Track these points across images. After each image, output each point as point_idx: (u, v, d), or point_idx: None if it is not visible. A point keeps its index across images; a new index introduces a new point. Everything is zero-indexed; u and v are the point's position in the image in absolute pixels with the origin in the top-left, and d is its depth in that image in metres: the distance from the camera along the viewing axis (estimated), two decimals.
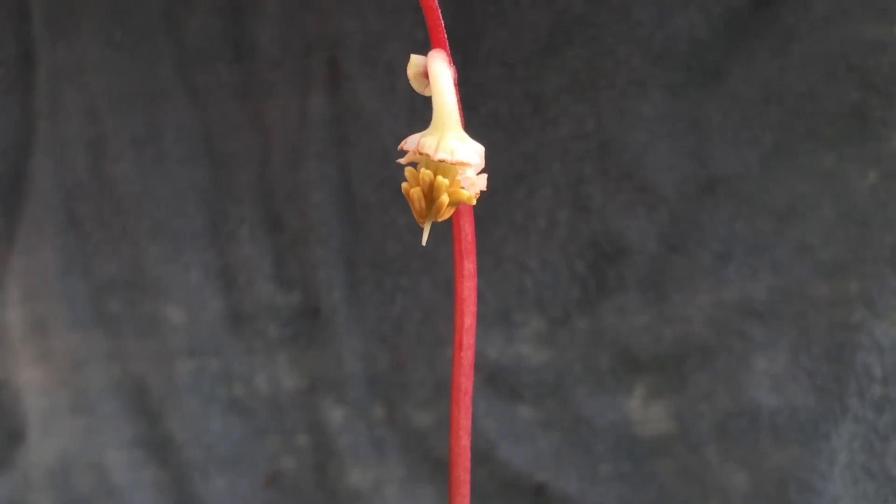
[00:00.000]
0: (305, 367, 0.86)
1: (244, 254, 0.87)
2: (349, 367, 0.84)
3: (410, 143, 0.37)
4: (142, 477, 0.88)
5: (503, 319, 0.81)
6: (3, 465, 0.91)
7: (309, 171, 0.85)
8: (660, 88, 0.77)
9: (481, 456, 0.80)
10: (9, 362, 0.92)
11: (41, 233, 0.90)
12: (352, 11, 0.83)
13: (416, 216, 0.37)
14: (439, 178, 0.36)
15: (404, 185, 0.37)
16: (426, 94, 0.38)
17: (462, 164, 0.36)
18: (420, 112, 0.82)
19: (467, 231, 0.41)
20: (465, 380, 0.42)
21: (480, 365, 0.80)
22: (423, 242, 0.37)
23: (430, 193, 0.36)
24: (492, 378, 0.81)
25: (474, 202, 0.38)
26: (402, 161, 0.38)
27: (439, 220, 0.37)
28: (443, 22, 0.38)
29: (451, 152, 0.36)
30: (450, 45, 0.39)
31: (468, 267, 0.42)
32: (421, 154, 0.36)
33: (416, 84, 0.39)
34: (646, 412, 0.78)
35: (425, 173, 0.36)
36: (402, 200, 0.83)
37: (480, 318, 0.79)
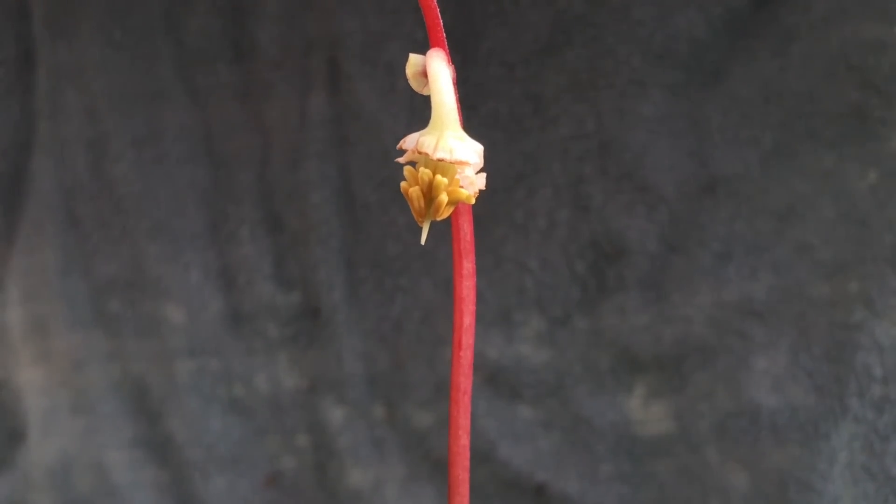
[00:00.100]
0: (305, 367, 0.86)
1: (244, 254, 0.87)
2: (349, 367, 0.85)
3: (409, 142, 0.37)
4: (142, 477, 0.88)
5: (503, 319, 0.81)
6: (3, 465, 0.91)
7: (309, 171, 0.85)
8: (660, 88, 0.77)
9: (481, 456, 0.80)
10: (9, 362, 0.92)
11: (41, 233, 0.90)
12: (352, 11, 0.83)
13: (414, 215, 0.37)
14: (438, 177, 0.36)
15: (403, 184, 0.37)
16: (425, 93, 0.38)
17: (461, 163, 0.36)
18: (420, 112, 0.82)
19: (466, 230, 0.41)
20: (465, 379, 0.42)
21: (480, 365, 0.80)
22: (422, 241, 0.37)
23: (429, 192, 0.36)
24: (492, 378, 0.81)
25: (473, 201, 0.38)
26: (400, 160, 0.38)
27: (438, 219, 0.37)
28: (442, 21, 0.38)
29: (450, 151, 0.36)
30: (449, 44, 0.39)
31: (467, 266, 0.42)
32: (420, 153, 0.36)
33: (414, 83, 0.39)
34: (646, 412, 0.78)
35: (424, 172, 0.36)
36: (402, 200, 0.83)
37: (480, 317, 0.79)
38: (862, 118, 0.73)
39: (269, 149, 0.87)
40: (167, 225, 0.88)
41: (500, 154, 0.80)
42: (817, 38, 0.74)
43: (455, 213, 0.41)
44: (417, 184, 0.37)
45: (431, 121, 0.37)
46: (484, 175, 0.38)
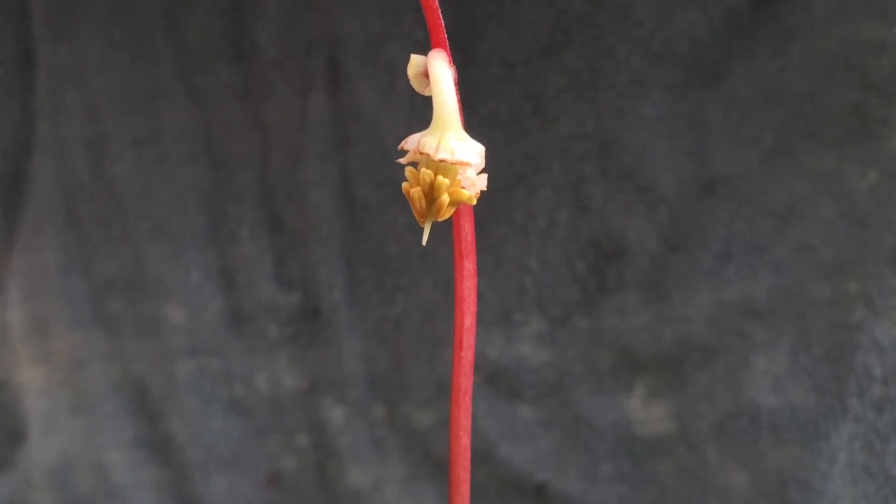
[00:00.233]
0: (306, 367, 0.86)
1: (244, 254, 0.87)
2: (349, 367, 0.84)
3: (411, 142, 0.37)
4: (142, 477, 0.88)
5: (503, 319, 0.81)
6: (3, 465, 0.91)
7: (309, 171, 0.85)
8: (660, 88, 0.77)
9: (482, 456, 0.81)
10: (9, 362, 0.92)
11: (41, 233, 0.90)
12: (352, 11, 0.83)
13: (416, 216, 0.37)
14: (440, 177, 0.36)
15: (405, 184, 0.37)
16: (426, 93, 0.38)
17: (462, 163, 0.36)
18: (420, 112, 0.82)
19: (467, 231, 0.41)
20: (465, 379, 0.42)
21: (481, 365, 0.81)
22: (424, 242, 0.37)
23: (431, 193, 0.36)
24: (492, 378, 0.81)
25: (475, 202, 0.38)
26: (402, 161, 0.38)
27: (440, 219, 0.37)
28: (443, 22, 0.38)
29: (452, 152, 0.36)
30: (450, 44, 0.39)
31: (468, 267, 0.42)
32: (421, 154, 0.36)
33: (416, 84, 0.39)
34: (646, 412, 0.78)
35: (426, 173, 0.36)
36: (403, 200, 0.83)
37: (480, 318, 0.79)
38: (862, 118, 0.73)
39: (269, 149, 0.87)
40: (167, 225, 0.88)
41: (500, 154, 0.80)
42: (817, 38, 0.74)
43: (456, 213, 0.41)
44: (419, 184, 0.37)
45: (433, 121, 0.37)
46: (485, 176, 0.38)
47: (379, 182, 0.84)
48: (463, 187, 0.37)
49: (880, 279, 0.72)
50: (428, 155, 0.36)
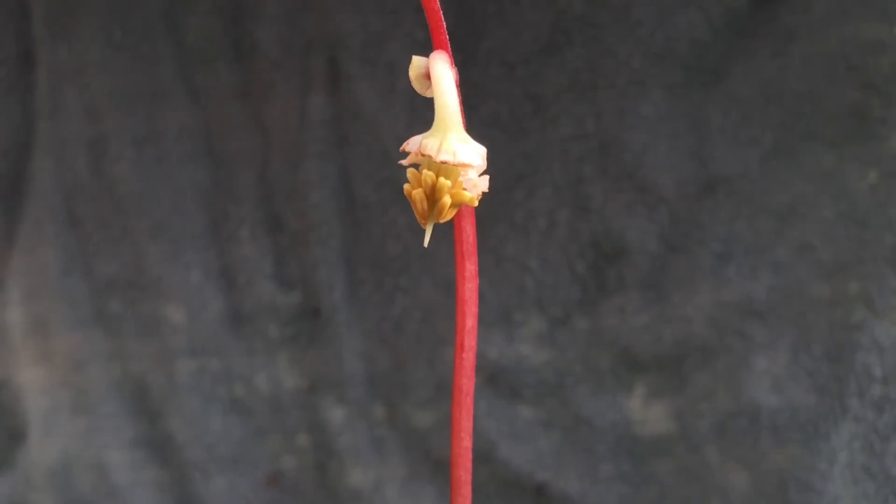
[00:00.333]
0: (306, 367, 0.86)
1: (244, 254, 0.87)
2: (349, 367, 0.85)
3: (413, 144, 0.37)
4: (142, 477, 0.88)
5: (503, 319, 0.81)
6: (3, 465, 0.91)
7: (309, 171, 0.85)
8: (660, 88, 0.77)
9: (482, 456, 0.80)
10: (9, 362, 0.92)
11: (41, 233, 0.90)
12: (352, 11, 0.83)
13: (418, 218, 0.37)
14: (441, 179, 0.36)
15: (406, 186, 0.37)
16: (428, 95, 0.38)
17: (464, 165, 0.36)
18: (420, 112, 0.82)
19: (469, 232, 0.41)
20: (467, 381, 0.42)
21: (481, 365, 0.81)
22: (426, 244, 0.37)
23: (433, 195, 0.36)
24: (492, 378, 0.81)
25: (476, 203, 0.38)
26: (404, 163, 0.38)
27: (441, 221, 0.37)
28: (445, 24, 0.38)
29: (454, 154, 0.36)
30: (450, 45, 0.39)
31: (470, 268, 0.42)
32: (423, 155, 0.36)
33: (417, 86, 0.39)
34: (646, 412, 0.78)
35: (427, 175, 0.36)
36: (403, 200, 0.83)
37: (480, 318, 0.79)
38: (862, 118, 0.73)
39: (269, 149, 0.87)
40: (167, 225, 0.88)
41: (500, 154, 0.80)
42: (817, 38, 0.74)
43: (458, 215, 0.41)
44: (421, 186, 0.37)
45: (435, 123, 0.37)
46: (487, 177, 0.38)
47: (379, 182, 0.84)
48: (465, 189, 0.37)
49: (880, 279, 0.72)
50: (430, 157, 0.36)
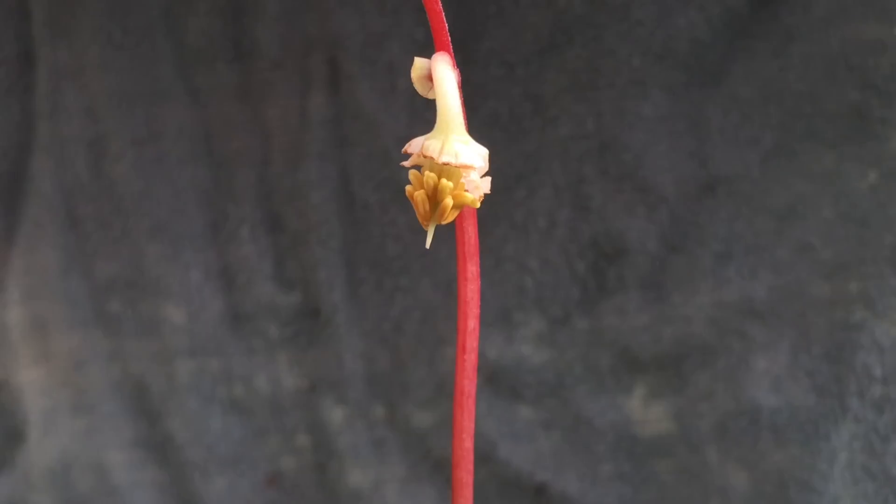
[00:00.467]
0: (306, 367, 0.86)
1: (244, 254, 0.87)
2: (349, 367, 0.85)
3: (414, 145, 0.37)
4: (142, 477, 0.88)
5: (503, 319, 0.81)
6: (3, 465, 0.91)
7: (309, 171, 0.85)
8: (660, 88, 0.77)
9: (482, 456, 0.80)
10: (9, 362, 0.92)
11: (41, 233, 0.90)
12: (352, 11, 0.83)
13: (419, 219, 0.37)
14: (443, 180, 0.36)
15: (408, 187, 0.37)
16: (430, 97, 0.38)
17: (466, 167, 0.36)
18: (420, 112, 0.82)
19: (470, 234, 0.41)
20: (468, 382, 0.42)
21: (481, 365, 0.80)
22: (427, 245, 0.37)
23: (434, 196, 0.36)
24: (492, 378, 0.81)
25: (478, 205, 0.38)
26: (406, 164, 0.38)
27: (443, 222, 0.37)
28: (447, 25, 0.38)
29: (456, 155, 0.36)
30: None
31: (471, 270, 0.42)
32: (425, 157, 0.36)
33: (419, 87, 0.39)
34: (646, 412, 0.78)
35: (429, 176, 0.36)
36: (402, 200, 0.83)
37: (480, 318, 0.79)
38: (862, 118, 0.73)
39: (269, 149, 0.86)
40: (167, 225, 0.88)
41: (500, 154, 0.80)
42: (817, 38, 0.74)
43: (459, 216, 0.41)
44: (423, 188, 0.37)
45: (437, 124, 0.37)
46: (489, 179, 0.38)
47: (379, 182, 0.84)
48: (466, 190, 0.37)
49: (880, 279, 0.72)
50: (431, 158, 0.36)
